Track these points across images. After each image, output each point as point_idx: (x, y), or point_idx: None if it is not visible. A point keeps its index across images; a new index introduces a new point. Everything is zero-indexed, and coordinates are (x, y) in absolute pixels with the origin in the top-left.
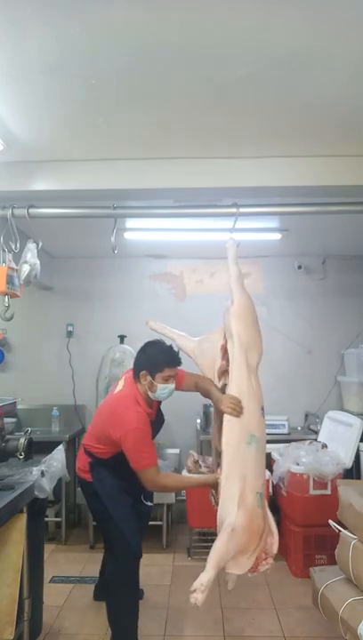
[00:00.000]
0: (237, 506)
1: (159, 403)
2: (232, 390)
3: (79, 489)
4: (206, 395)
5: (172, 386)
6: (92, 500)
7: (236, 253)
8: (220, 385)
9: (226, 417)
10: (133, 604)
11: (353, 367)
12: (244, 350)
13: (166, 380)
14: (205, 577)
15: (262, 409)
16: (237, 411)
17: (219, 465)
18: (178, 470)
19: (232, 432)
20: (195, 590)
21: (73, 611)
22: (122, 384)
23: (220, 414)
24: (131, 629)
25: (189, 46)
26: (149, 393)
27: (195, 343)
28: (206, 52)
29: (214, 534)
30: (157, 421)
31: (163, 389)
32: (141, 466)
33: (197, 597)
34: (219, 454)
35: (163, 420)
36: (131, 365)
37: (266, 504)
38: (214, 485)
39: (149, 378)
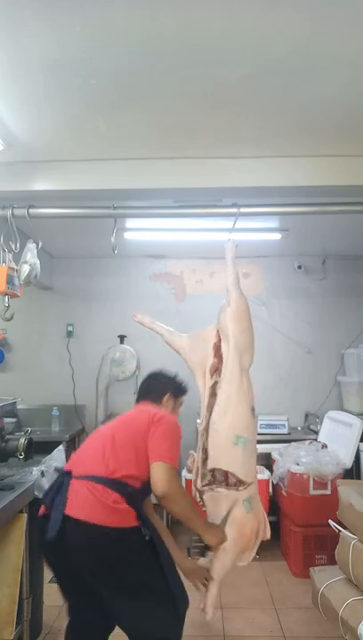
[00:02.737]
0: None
1: None
2: (223, 390)
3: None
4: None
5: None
6: (137, 552)
7: (234, 255)
8: (211, 382)
9: (212, 419)
10: None
11: (353, 367)
12: (239, 352)
13: (179, 409)
14: (212, 598)
15: (253, 409)
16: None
17: (204, 461)
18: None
19: (219, 432)
20: (204, 609)
21: None
22: (134, 410)
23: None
24: None
25: (189, 46)
26: None
27: (185, 340)
28: (206, 52)
29: None
30: None
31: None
32: (163, 457)
33: (208, 613)
34: (205, 450)
35: None
36: (129, 366)
37: (257, 502)
38: (215, 540)
39: (172, 402)
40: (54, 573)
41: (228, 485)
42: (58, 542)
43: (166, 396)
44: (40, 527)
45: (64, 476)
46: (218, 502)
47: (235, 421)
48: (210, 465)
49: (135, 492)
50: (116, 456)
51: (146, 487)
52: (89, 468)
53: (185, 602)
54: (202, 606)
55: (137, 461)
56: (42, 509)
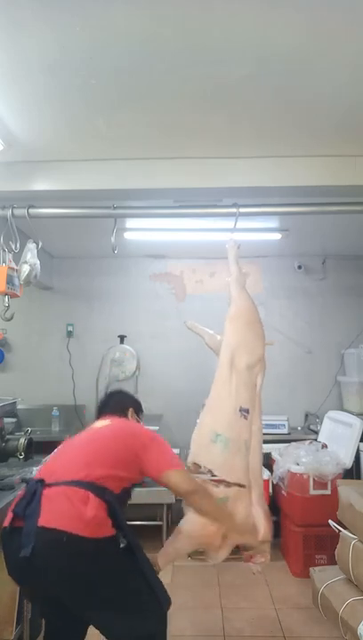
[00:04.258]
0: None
1: None
2: (212, 388)
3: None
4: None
5: None
6: (117, 563)
7: (236, 254)
8: None
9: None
10: None
11: (353, 367)
12: (229, 350)
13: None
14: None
15: (246, 411)
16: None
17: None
18: None
19: (200, 429)
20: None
21: None
22: (108, 420)
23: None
24: None
25: (189, 46)
26: None
27: (218, 340)
28: (206, 52)
29: None
30: None
31: None
32: (173, 464)
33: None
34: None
35: None
36: (129, 366)
37: (242, 509)
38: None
39: (136, 417)
40: (26, 595)
41: (213, 481)
42: (30, 560)
43: (130, 411)
44: (5, 541)
45: (37, 485)
46: None
47: (216, 419)
48: (189, 459)
49: (114, 499)
50: (96, 459)
51: (125, 494)
52: (66, 474)
53: (168, 601)
54: None
55: (119, 465)
56: (8, 519)
